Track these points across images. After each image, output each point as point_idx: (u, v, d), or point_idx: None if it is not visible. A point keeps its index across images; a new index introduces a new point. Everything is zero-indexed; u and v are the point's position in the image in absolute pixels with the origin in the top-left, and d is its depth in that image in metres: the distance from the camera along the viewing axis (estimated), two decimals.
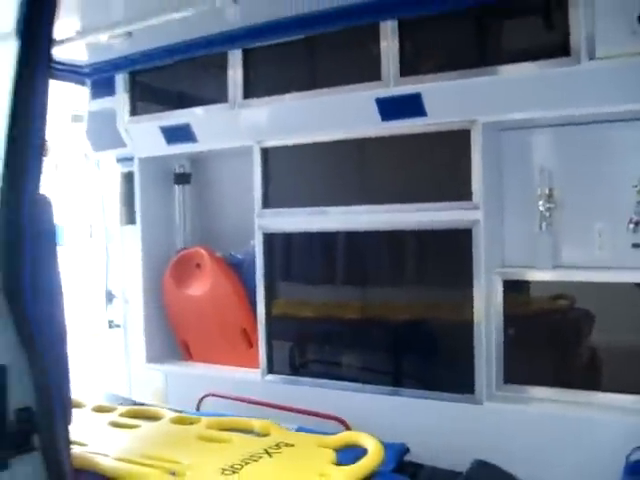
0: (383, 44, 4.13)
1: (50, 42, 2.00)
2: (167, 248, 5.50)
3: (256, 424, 2.90)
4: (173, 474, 2.30)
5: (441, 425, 4.06)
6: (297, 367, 4.94)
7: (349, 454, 2.58)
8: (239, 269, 5.14)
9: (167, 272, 5.34)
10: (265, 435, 2.79)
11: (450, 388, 4.20)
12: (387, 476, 2.48)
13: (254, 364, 4.94)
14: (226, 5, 3.58)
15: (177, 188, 5.59)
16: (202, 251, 5.20)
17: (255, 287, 4.92)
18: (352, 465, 2.40)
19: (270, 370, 4.85)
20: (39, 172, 1.98)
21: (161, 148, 5.17)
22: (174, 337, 5.50)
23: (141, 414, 3.22)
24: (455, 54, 4.07)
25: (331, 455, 2.51)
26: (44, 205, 2.01)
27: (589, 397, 3.94)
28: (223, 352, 5.18)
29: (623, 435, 3.50)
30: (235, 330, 5.08)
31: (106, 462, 2.46)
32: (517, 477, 3.51)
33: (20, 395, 1.95)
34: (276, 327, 4.88)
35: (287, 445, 2.63)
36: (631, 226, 3.82)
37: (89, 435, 2.81)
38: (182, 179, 5.57)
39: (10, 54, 1.83)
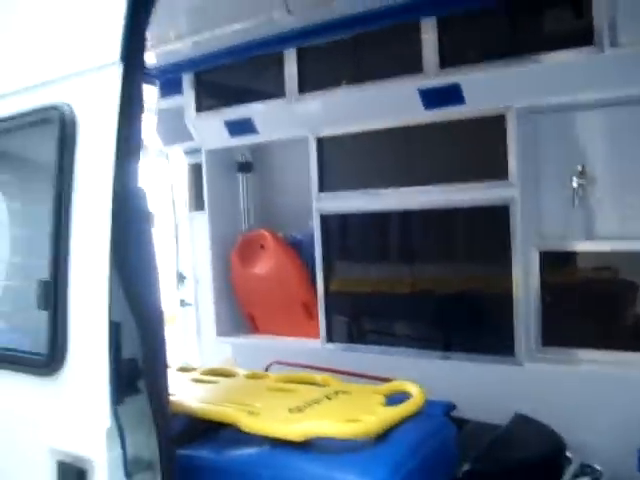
0: (424, 39, 4.52)
1: (143, 61, 2.49)
2: (233, 231, 5.99)
3: (317, 378, 3.36)
4: (251, 413, 2.79)
5: (485, 385, 4.41)
6: (354, 336, 5.38)
7: (397, 400, 3.01)
8: (299, 248, 5.62)
9: (233, 253, 5.85)
10: (325, 386, 3.26)
11: (493, 351, 4.58)
12: (437, 418, 2.91)
13: (314, 334, 5.43)
14: (282, 17, 4.02)
15: (240, 176, 6.09)
16: (265, 233, 5.69)
17: (314, 264, 5.40)
18: (397, 406, 2.85)
19: (329, 339, 5.33)
20: (138, 168, 2.47)
21: (225, 140, 5.67)
22: (241, 312, 6.01)
23: (219, 373, 3.70)
24: (489, 46, 4.42)
25: (381, 399, 2.96)
26: (142, 196, 2.50)
27: (625, 357, 4.24)
28: (286, 324, 5.68)
29: None
30: (297, 304, 5.57)
31: (193, 405, 2.97)
32: (555, 430, 3.89)
33: (129, 347, 2.44)
34: (334, 301, 5.35)
35: (344, 393, 3.09)
36: None
37: (176, 388, 3.30)
38: (244, 168, 6.07)
39: (117, 76, 2.31)
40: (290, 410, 2.82)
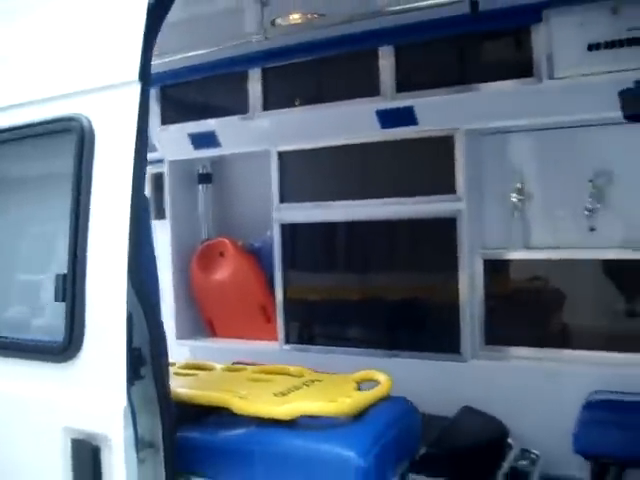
0: (382, 65, 4.98)
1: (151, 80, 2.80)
2: (193, 239, 6.26)
3: (291, 369, 3.70)
4: (241, 397, 3.10)
5: (433, 381, 4.76)
6: (310, 338, 5.74)
7: (366, 387, 3.39)
8: (257, 255, 5.96)
9: (194, 260, 6.12)
10: (300, 376, 3.60)
11: (440, 350, 5.03)
12: (397, 399, 3.29)
13: (272, 337, 5.76)
14: (258, 39, 4.37)
15: (200, 187, 6.39)
16: (225, 241, 6.00)
17: (271, 271, 5.74)
18: (370, 390, 3.22)
19: (287, 341, 5.68)
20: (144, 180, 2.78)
21: (188, 152, 5.96)
22: (200, 316, 6.28)
23: (197, 367, 3.98)
24: (440, 73, 4.91)
25: (354, 385, 3.32)
26: (147, 201, 2.80)
27: (557, 354, 4.77)
28: (244, 328, 5.97)
29: (585, 383, 4.29)
30: (255, 308, 5.90)
31: (185, 392, 3.25)
32: (497, 418, 4.35)
33: (136, 337, 2.73)
34: (291, 305, 5.70)
35: (319, 381, 3.44)
36: (586, 213, 4.68)
37: None
38: (205, 179, 6.37)
39: (136, 94, 2.62)
40: (275, 394, 3.15)
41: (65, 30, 2.91)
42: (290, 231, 5.67)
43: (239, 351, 5.66)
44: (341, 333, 5.67)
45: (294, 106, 5.39)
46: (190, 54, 4.90)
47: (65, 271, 2.69)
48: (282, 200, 5.62)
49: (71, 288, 2.67)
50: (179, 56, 4.88)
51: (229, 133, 5.71)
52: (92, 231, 2.67)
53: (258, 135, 5.56)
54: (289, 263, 5.70)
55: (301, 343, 5.65)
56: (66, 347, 2.69)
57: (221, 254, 6.02)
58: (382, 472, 2.88)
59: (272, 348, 5.69)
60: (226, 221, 6.37)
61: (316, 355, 5.42)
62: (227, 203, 6.39)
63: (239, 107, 5.62)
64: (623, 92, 2.32)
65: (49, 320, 2.83)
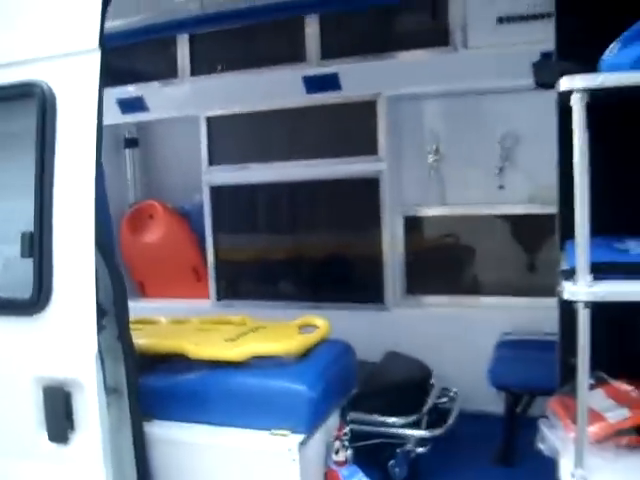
0: (307, 33, 5.26)
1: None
2: (121, 203, 6.36)
3: (234, 318, 3.97)
4: (195, 343, 3.36)
5: (360, 329, 5.00)
6: (241, 295, 6.02)
7: (306, 331, 3.71)
8: (187, 217, 6.16)
9: (123, 223, 6.25)
10: (243, 324, 3.88)
11: (365, 301, 5.44)
12: (335, 341, 3.63)
13: (203, 296, 6.01)
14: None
15: (127, 151, 6.49)
16: (155, 203, 6.14)
17: (202, 232, 5.97)
18: (311, 333, 3.55)
19: (219, 298, 5.95)
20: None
21: (115, 117, 6.04)
22: (130, 279, 6.43)
23: (142, 321, 4.15)
24: (364, 42, 5.24)
25: (296, 329, 3.63)
26: (101, 165, 2.98)
27: (471, 300, 5.29)
28: (175, 288, 6.19)
29: (496, 325, 4.78)
30: (186, 269, 6.12)
31: (142, 341, 3.46)
32: (420, 360, 4.77)
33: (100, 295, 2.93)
34: (222, 265, 5.96)
35: (263, 327, 3.72)
36: (496, 172, 5.15)
37: None
38: (131, 143, 6.46)
39: (96, 61, 2.79)
40: (225, 340, 3.42)
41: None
42: (219, 194, 5.90)
43: (172, 309, 5.82)
44: (271, 289, 5.97)
45: (221, 72, 5.58)
46: (119, 21, 4.99)
47: (31, 229, 2.86)
48: (211, 163, 5.82)
49: (38, 245, 2.84)
50: (109, 22, 4.95)
51: (157, 98, 5.84)
52: (57, 191, 2.82)
53: (186, 100, 5.73)
54: (219, 224, 5.94)
55: (233, 299, 5.91)
56: (35, 301, 2.85)
57: (151, 216, 6.18)
58: (328, 403, 3.22)
59: (204, 305, 5.93)
60: (154, 185, 6.51)
61: (248, 310, 5.56)
62: (154, 167, 6.52)
63: (167, 72, 5.76)
64: (536, 63, 2.69)
65: (18, 276, 2.98)
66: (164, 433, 3.12)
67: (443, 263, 5.47)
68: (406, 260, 5.45)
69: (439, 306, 5.34)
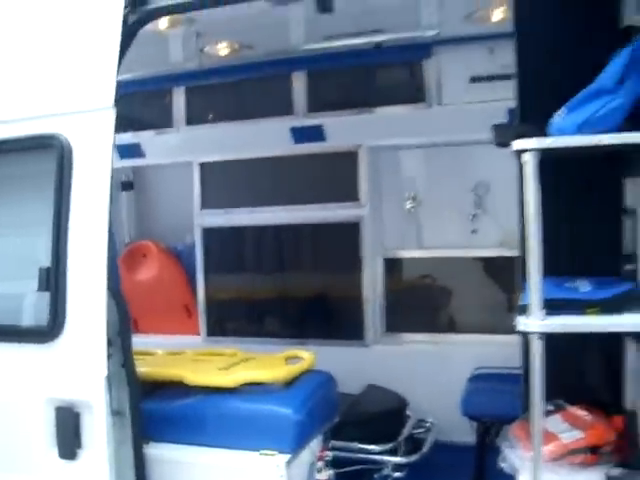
0: (295, 87, 5.71)
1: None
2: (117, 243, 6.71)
3: (226, 350, 4.29)
4: (192, 371, 3.67)
5: (342, 365, 5.20)
6: (230, 332, 6.34)
7: (293, 363, 4.03)
8: (178, 257, 6.51)
9: (119, 262, 6.56)
10: (234, 356, 4.20)
11: (347, 338, 5.79)
12: (319, 371, 3.95)
13: (194, 332, 6.33)
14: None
15: (123, 194, 6.86)
16: (149, 243, 6.48)
17: (192, 271, 6.31)
18: (296, 364, 3.87)
19: (209, 334, 6.26)
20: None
21: (114, 162, 6.38)
22: None
23: (140, 353, 4.45)
24: (347, 97, 5.73)
25: (283, 361, 3.96)
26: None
27: (446, 337, 5.65)
28: (167, 325, 6.48)
29: (469, 361, 5.07)
30: (177, 306, 6.44)
31: (142, 370, 3.77)
32: (397, 392, 5.10)
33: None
34: (212, 303, 6.29)
35: (253, 359, 4.05)
36: (470, 217, 5.56)
37: None
38: (127, 186, 6.84)
39: (111, 119, 3.17)
40: (219, 369, 3.75)
41: (46, 53, 3.37)
42: (210, 235, 6.25)
43: (165, 345, 6.11)
44: (258, 327, 6.30)
45: (215, 122, 5.99)
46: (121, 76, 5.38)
47: (48, 265, 3.19)
48: (203, 207, 6.19)
49: (54, 279, 3.16)
50: None
51: (154, 145, 6.23)
52: (71, 230, 3.16)
53: (181, 147, 6.12)
54: (209, 264, 6.28)
55: (222, 336, 6.22)
56: (50, 330, 3.17)
57: (144, 256, 6.50)
58: (312, 426, 3.53)
59: (195, 341, 6.22)
60: (148, 226, 6.84)
61: (237, 346, 5.96)
62: (148, 209, 6.87)
63: (164, 121, 6.16)
64: (494, 126, 3.06)
65: (35, 307, 3.30)
66: (161, 454, 3.41)
67: (420, 302, 5.85)
68: (386, 300, 5.82)
69: (417, 343, 5.69)
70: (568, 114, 2.73)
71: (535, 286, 2.58)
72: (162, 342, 6.23)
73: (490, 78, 5.01)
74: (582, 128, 2.62)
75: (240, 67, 5.57)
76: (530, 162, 2.55)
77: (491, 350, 5.12)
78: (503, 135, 2.85)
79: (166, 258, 6.46)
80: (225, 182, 6.27)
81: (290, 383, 3.67)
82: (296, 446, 3.38)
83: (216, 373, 3.67)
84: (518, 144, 2.60)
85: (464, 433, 4.81)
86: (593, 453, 2.81)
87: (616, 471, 2.73)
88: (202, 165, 6.15)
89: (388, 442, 4.61)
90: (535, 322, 2.56)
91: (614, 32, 2.98)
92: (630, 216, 3.11)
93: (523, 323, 2.60)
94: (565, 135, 2.64)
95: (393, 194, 5.79)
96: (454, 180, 5.59)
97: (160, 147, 6.23)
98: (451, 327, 5.75)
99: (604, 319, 2.61)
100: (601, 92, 2.68)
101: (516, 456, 2.90)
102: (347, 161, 5.73)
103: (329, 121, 5.63)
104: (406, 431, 4.84)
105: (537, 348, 2.55)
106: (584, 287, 2.90)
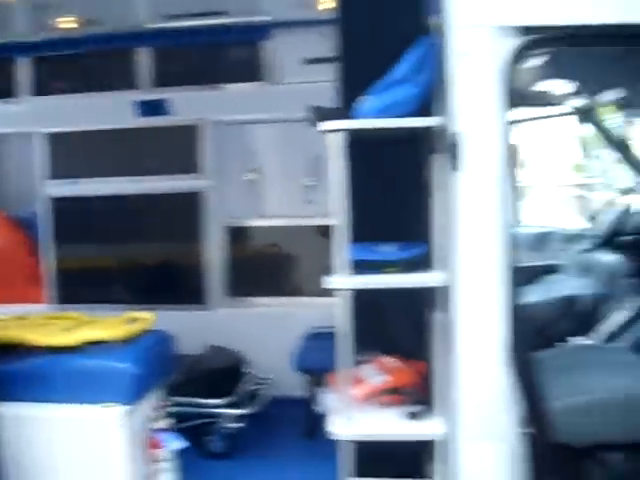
0: (141, 62, 5.92)
1: None
2: None
3: (71, 314, 4.45)
4: (33, 332, 3.85)
5: (186, 327, 5.29)
6: (75, 300, 6.43)
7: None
8: (23, 225, 6.51)
9: None
10: (78, 319, 4.39)
11: (191, 302, 6.13)
12: (157, 331, 4.24)
13: (39, 300, 6.40)
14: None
15: None
16: None
17: (36, 239, 6.37)
18: (136, 324, 4.14)
19: (54, 302, 6.36)
20: None
21: None
22: None
23: None
24: (193, 73, 5.99)
25: (124, 321, 4.19)
26: None
27: (286, 300, 6.13)
28: (9, 294, 6.45)
29: (306, 322, 5.49)
30: (21, 275, 6.46)
31: None
32: (236, 351, 5.49)
33: None
34: (58, 271, 6.39)
35: (95, 321, 4.24)
36: (305, 188, 6.00)
37: None
38: None
39: None
40: (62, 330, 3.96)
41: None
42: (59, 205, 6.31)
43: (7, 312, 6.18)
44: (104, 294, 6.39)
45: (63, 93, 6.06)
46: None
47: None
48: (52, 177, 6.26)
49: None
50: None
51: None
52: None
53: (25, 117, 6.13)
54: (58, 234, 6.36)
55: (68, 303, 6.32)
56: None
57: None
58: (149, 380, 3.83)
59: (40, 309, 6.28)
60: None
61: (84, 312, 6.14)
62: None
63: (7, 92, 6.15)
64: (307, 108, 3.36)
65: None
66: (7, 411, 3.57)
67: (264, 269, 6.30)
68: (229, 266, 6.18)
69: (259, 306, 6.12)
70: (371, 99, 3.12)
71: (341, 249, 2.99)
72: (5, 311, 6.28)
73: (322, 60, 5.42)
74: (382, 112, 3.00)
75: (86, 40, 5.67)
76: (335, 141, 2.91)
77: (328, 312, 5.58)
78: (313, 116, 3.22)
79: (7, 225, 6.46)
80: (73, 153, 6.34)
81: (129, 341, 3.95)
82: (135, 398, 3.67)
83: (59, 334, 3.88)
84: (323, 125, 2.96)
85: (300, 388, 5.21)
86: (399, 394, 3.23)
87: (416, 408, 3.12)
88: (50, 135, 6.18)
89: (226, 396, 4.95)
90: (341, 280, 2.98)
91: (421, 24, 3.19)
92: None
93: (330, 281, 3.02)
94: (367, 118, 3.02)
95: (237, 167, 6.12)
96: (293, 154, 6.01)
97: (2, 116, 6.20)
98: (292, 291, 6.20)
99: (400, 277, 3.04)
100: (400, 81, 3.07)
101: (330, 399, 3.27)
102: (190, 134, 6.01)
103: (175, 96, 5.87)
104: (245, 387, 5.22)
105: (345, 302, 2.99)
106: (389, 250, 3.32)
